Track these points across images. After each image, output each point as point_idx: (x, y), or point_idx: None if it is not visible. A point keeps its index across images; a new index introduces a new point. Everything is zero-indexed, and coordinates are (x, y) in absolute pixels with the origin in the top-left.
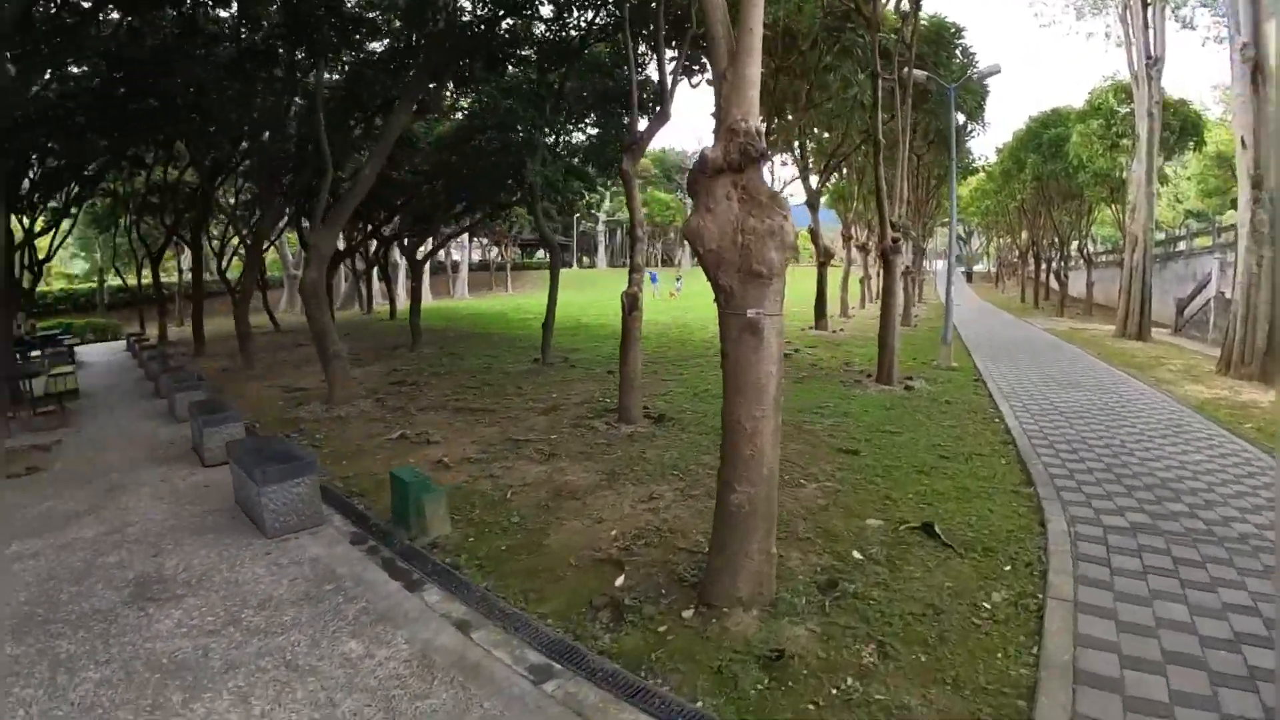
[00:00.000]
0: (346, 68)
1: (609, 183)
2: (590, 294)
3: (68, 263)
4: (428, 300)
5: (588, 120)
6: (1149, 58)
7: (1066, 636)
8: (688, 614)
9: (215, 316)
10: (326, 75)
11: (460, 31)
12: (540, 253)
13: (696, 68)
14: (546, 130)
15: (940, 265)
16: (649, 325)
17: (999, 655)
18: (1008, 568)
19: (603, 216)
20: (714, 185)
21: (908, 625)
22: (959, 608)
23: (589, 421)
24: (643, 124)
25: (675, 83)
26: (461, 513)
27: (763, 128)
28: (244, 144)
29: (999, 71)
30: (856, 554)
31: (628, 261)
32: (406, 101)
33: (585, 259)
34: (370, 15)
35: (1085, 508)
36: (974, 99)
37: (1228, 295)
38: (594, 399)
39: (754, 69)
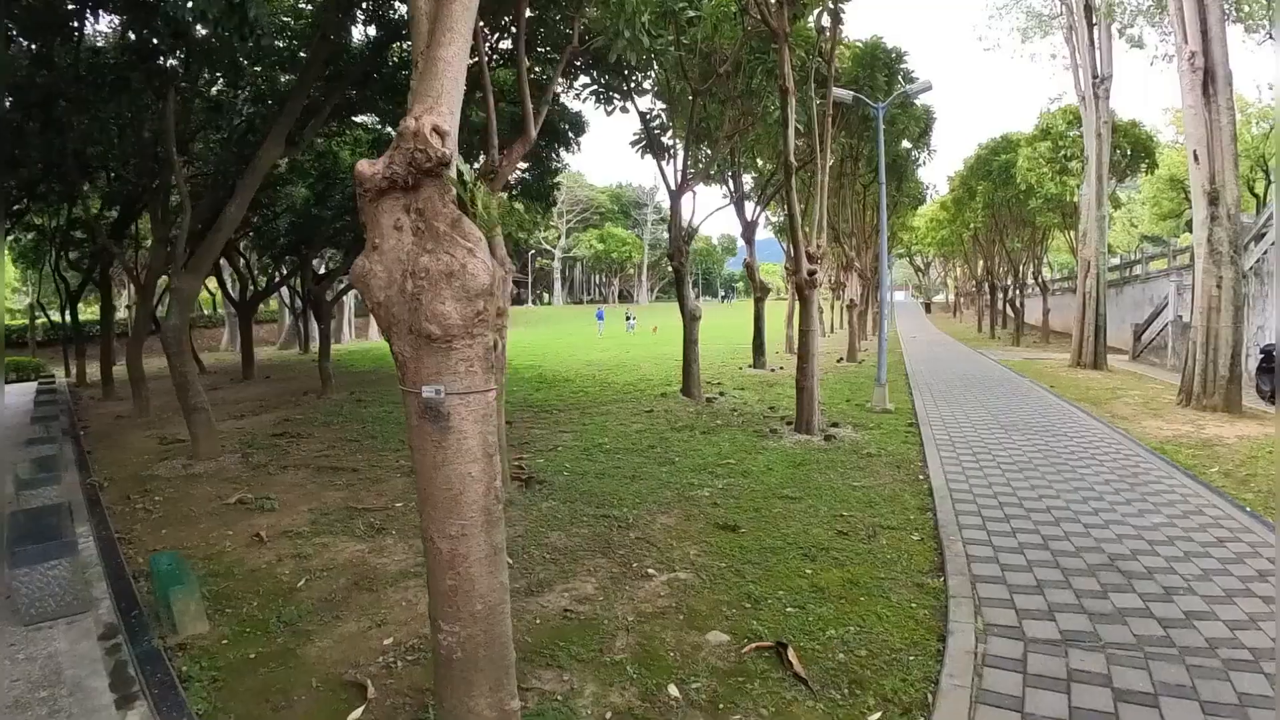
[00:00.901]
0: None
1: (541, 218)
2: (543, 331)
3: (9, 298)
4: (375, 340)
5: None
6: (1095, 77)
7: None
8: None
9: (150, 356)
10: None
11: (340, 61)
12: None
13: (616, 96)
14: None
15: (900, 296)
16: (580, 364)
17: None
18: (875, 716)
19: (559, 253)
20: (378, 211)
21: None
22: None
23: None
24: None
25: (541, 106)
26: (235, 605)
27: (449, 126)
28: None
29: (930, 88)
30: (674, 690)
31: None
32: (275, 136)
33: (546, 295)
34: (218, 44)
35: (1006, 608)
36: (916, 124)
37: (1185, 319)
38: None
39: (452, 49)
